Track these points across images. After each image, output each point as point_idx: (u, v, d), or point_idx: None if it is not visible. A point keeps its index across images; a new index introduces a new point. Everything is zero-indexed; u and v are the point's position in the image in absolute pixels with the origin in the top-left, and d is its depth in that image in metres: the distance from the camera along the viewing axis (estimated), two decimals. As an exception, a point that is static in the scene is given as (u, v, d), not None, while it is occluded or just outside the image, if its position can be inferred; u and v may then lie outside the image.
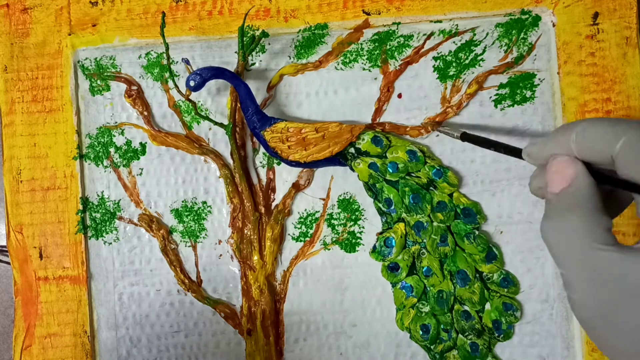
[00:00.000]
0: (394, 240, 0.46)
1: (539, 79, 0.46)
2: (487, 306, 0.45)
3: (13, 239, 0.48)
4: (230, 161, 0.48)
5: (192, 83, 0.44)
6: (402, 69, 0.47)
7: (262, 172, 0.48)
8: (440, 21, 0.47)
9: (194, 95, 0.47)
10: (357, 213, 0.47)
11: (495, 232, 0.46)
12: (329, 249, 0.47)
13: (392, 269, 0.46)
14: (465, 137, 0.41)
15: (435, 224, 0.45)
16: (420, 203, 0.45)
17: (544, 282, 0.46)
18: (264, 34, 0.46)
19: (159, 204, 0.48)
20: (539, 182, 0.31)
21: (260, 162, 0.48)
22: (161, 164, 0.49)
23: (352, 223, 0.47)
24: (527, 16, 0.46)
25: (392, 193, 0.46)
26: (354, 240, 0.47)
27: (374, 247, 0.46)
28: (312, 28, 0.47)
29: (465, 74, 0.47)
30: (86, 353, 0.48)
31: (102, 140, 0.49)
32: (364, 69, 0.47)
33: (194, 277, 0.48)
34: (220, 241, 0.48)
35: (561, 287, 0.46)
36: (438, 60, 0.47)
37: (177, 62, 0.48)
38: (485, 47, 0.47)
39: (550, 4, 0.46)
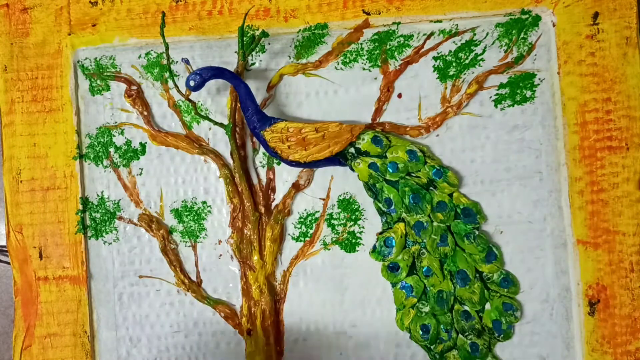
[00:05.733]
0: (394, 240, 0.46)
1: (539, 79, 0.46)
2: (487, 306, 0.45)
3: (13, 239, 0.48)
4: (230, 161, 0.48)
5: (192, 83, 0.44)
6: (402, 69, 0.47)
7: (262, 172, 0.48)
8: (440, 21, 0.47)
9: (194, 95, 0.47)
10: (357, 213, 0.47)
11: (495, 232, 0.46)
12: (329, 249, 0.47)
13: (392, 269, 0.46)
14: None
15: (435, 224, 0.45)
16: (420, 203, 0.45)
17: (544, 282, 0.46)
18: (264, 34, 0.46)
19: (158, 204, 0.48)
20: None
21: (260, 162, 0.48)
22: (161, 164, 0.49)
23: (352, 223, 0.47)
24: (527, 16, 0.46)
25: (392, 193, 0.46)
26: (354, 240, 0.47)
27: (374, 247, 0.46)
28: (312, 28, 0.47)
29: (465, 73, 0.47)
30: (86, 353, 0.48)
31: (102, 140, 0.49)
32: (364, 69, 0.47)
33: (194, 277, 0.48)
34: (220, 241, 0.48)
35: (561, 287, 0.46)
36: (438, 60, 0.47)
37: (177, 62, 0.48)
38: (485, 47, 0.47)
39: (550, 3, 0.46)
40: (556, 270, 0.46)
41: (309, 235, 0.48)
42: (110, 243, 0.48)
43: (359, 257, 0.47)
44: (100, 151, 0.49)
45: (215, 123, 0.46)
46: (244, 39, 0.46)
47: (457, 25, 0.47)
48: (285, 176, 0.48)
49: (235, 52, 0.48)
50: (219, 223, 0.48)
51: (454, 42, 0.47)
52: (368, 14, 0.47)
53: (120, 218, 0.49)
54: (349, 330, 0.47)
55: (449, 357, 0.45)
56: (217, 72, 0.44)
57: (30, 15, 0.48)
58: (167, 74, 0.48)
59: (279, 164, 0.48)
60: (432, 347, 0.46)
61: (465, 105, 0.47)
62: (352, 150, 0.46)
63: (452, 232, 0.46)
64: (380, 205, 0.46)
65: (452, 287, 0.45)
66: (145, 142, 0.49)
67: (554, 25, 0.46)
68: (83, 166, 0.49)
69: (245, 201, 0.47)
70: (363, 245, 0.47)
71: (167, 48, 0.44)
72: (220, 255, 0.48)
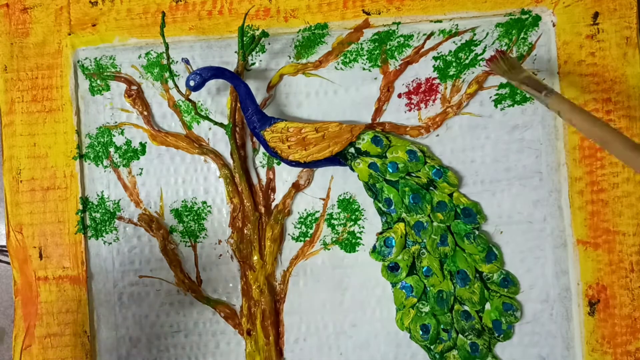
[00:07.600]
0: (394, 240, 0.46)
1: (539, 79, 0.46)
2: (487, 306, 0.45)
3: (13, 239, 0.48)
4: (230, 161, 0.48)
5: (192, 83, 0.44)
6: (402, 69, 0.47)
7: (262, 172, 0.48)
8: (440, 21, 0.47)
9: (194, 95, 0.47)
10: (357, 213, 0.47)
11: (495, 232, 0.46)
12: (329, 249, 0.47)
13: (392, 269, 0.46)
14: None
15: (435, 224, 0.45)
16: (420, 203, 0.45)
17: (544, 282, 0.46)
18: (264, 34, 0.46)
19: (158, 204, 0.48)
20: None
21: (260, 162, 0.48)
22: (161, 164, 0.49)
23: (352, 223, 0.47)
24: (527, 16, 0.46)
25: (392, 193, 0.45)
26: (354, 240, 0.47)
27: (374, 247, 0.46)
28: (312, 28, 0.47)
29: (465, 73, 0.47)
30: (86, 353, 0.48)
31: (102, 140, 0.49)
32: (364, 69, 0.47)
33: (194, 277, 0.48)
34: (220, 241, 0.48)
35: (561, 287, 0.46)
36: (438, 60, 0.47)
37: (177, 62, 0.48)
38: (485, 47, 0.47)
39: (550, 3, 0.46)
40: (556, 270, 0.46)
41: (309, 235, 0.48)
42: (110, 243, 0.48)
43: (359, 257, 0.47)
44: (100, 151, 0.49)
45: (215, 123, 0.46)
46: (244, 39, 0.46)
47: (457, 25, 0.47)
48: (285, 176, 0.48)
49: (235, 52, 0.48)
50: (219, 223, 0.48)
51: (454, 42, 0.47)
52: (368, 14, 0.47)
53: (120, 218, 0.49)
54: (349, 330, 0.47)
55: (449, 357, 0.45)
56: (217, 72, 0.44)
57: (30, 15, 0.48)
58: (167, 74, 0.48)
59: (279, 164, 0.48)
60: (432, 347, 0.46)
61: (465, 105, 0.47)
62: (352, 150, 0.46)
63: (452, 232, 0.46)
64: (380, 205, 0.46)
65: (452, 287, 0.45)
66: (145, 142, 0.49)
67: (554, 25, 0.46)
68: (83, 166, 0.49)
69: (245, 201, 0.47)
70: (363, 245, 0.47)
71: (167, 48, 0.44)
72: (220, 255, 0.48)
